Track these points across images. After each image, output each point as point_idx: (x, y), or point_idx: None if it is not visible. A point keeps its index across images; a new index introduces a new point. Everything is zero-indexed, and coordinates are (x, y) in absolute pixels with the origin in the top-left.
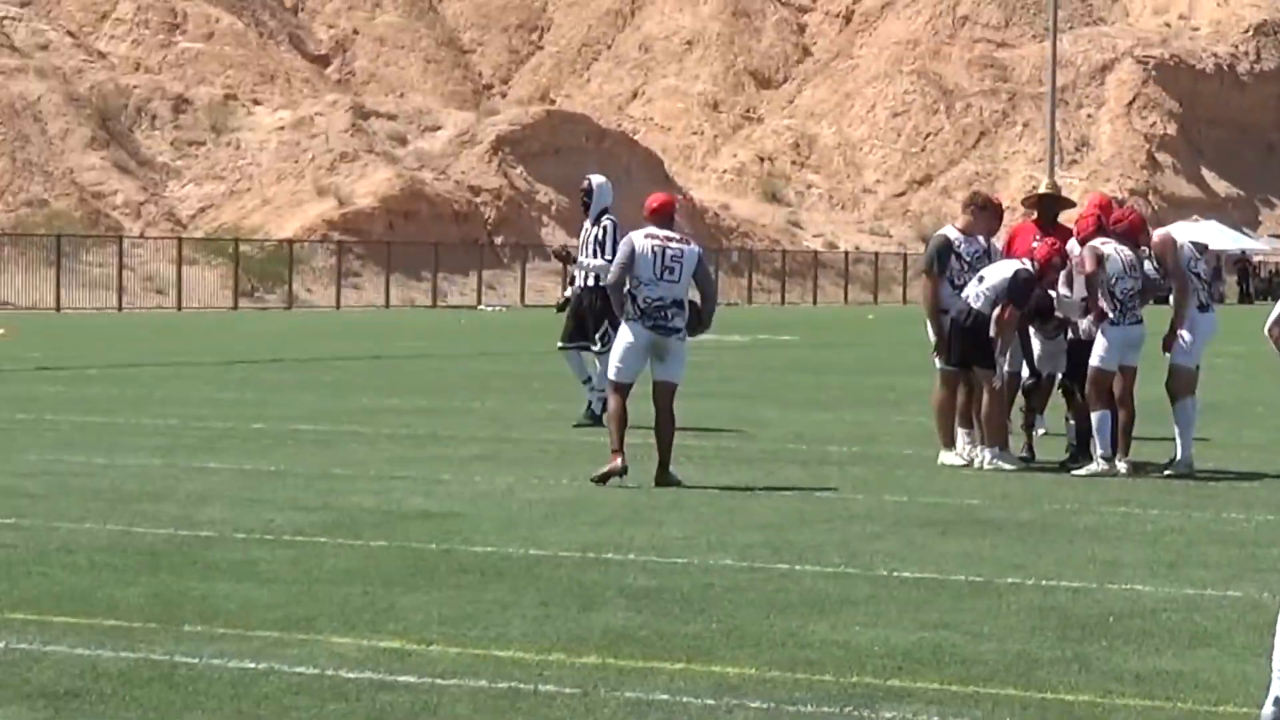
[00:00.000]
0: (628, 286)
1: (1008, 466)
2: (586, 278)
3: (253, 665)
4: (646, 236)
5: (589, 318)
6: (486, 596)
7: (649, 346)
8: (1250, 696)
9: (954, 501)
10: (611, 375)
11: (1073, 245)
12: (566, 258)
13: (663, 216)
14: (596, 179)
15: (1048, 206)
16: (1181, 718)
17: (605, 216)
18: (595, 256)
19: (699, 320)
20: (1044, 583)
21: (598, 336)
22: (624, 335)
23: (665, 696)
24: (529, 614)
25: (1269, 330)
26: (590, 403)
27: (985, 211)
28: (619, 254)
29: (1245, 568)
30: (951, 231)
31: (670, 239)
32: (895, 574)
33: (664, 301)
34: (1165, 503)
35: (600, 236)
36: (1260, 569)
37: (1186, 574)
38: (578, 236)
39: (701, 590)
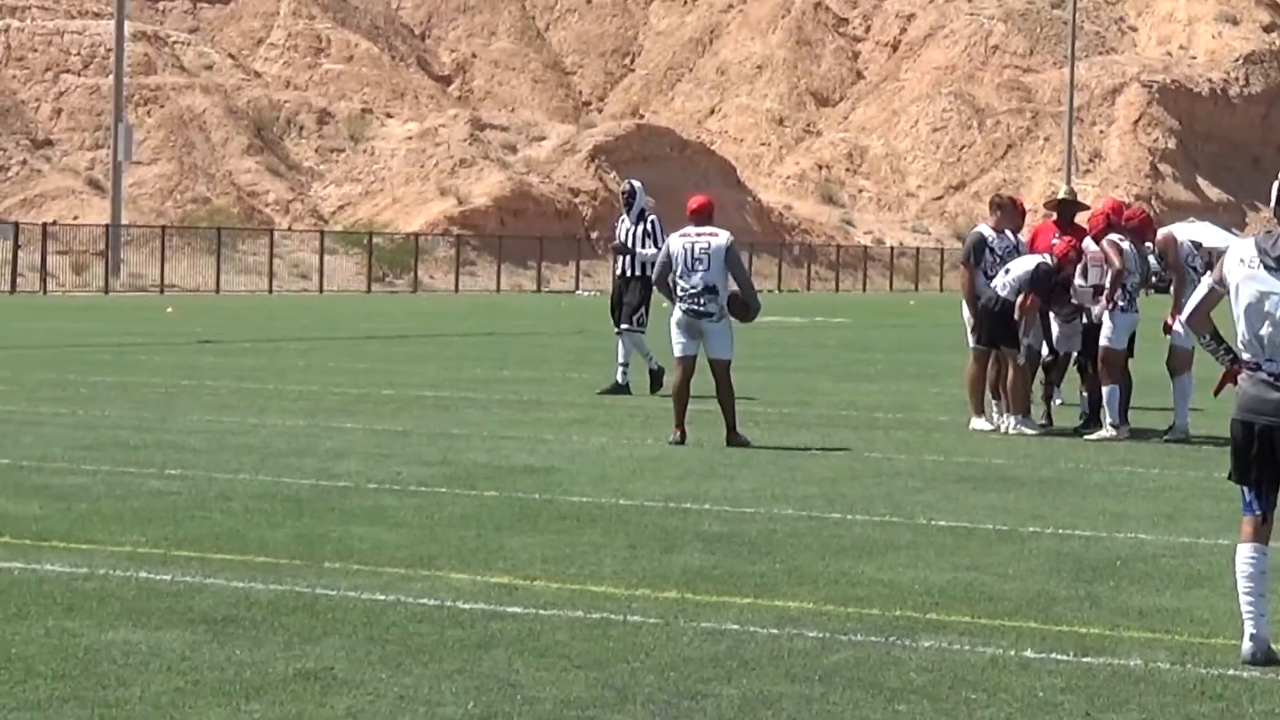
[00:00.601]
0: (671, 277)
1: (1029, 431)
2: (629, 267)
3: (382, 597)
4: (681, 236)
5: (624, 303)
6: (582, 539)
7: (690, 328)
8: (1237, 630)
9: (983, 461)
10: (675, 352)
11: (1088, 243)
12: (623, 250)
13: (701, 215)
14: (636, 183)
15: (1066, 209)
16: (1179, 648)
17: (647, 215)
18: (644, 249)
19: (745, 305)
20: (1060, 531)
21: (635, 319)
22: (675, 319)
23: (735, 627)
24: (618, 555)
25: (1187, 321)
26: (650, 368)
27: (1002, 210)
28: (660, 254)
29: (1233, 520)
30: (985, 229)
31: (701, 234)
32: (933, 522)
33: (697, 289)
34: (1165, 463)
35: (650, 230)
36: None
37: (1183, 525)
38: (664, 233)
39: (767, 536)
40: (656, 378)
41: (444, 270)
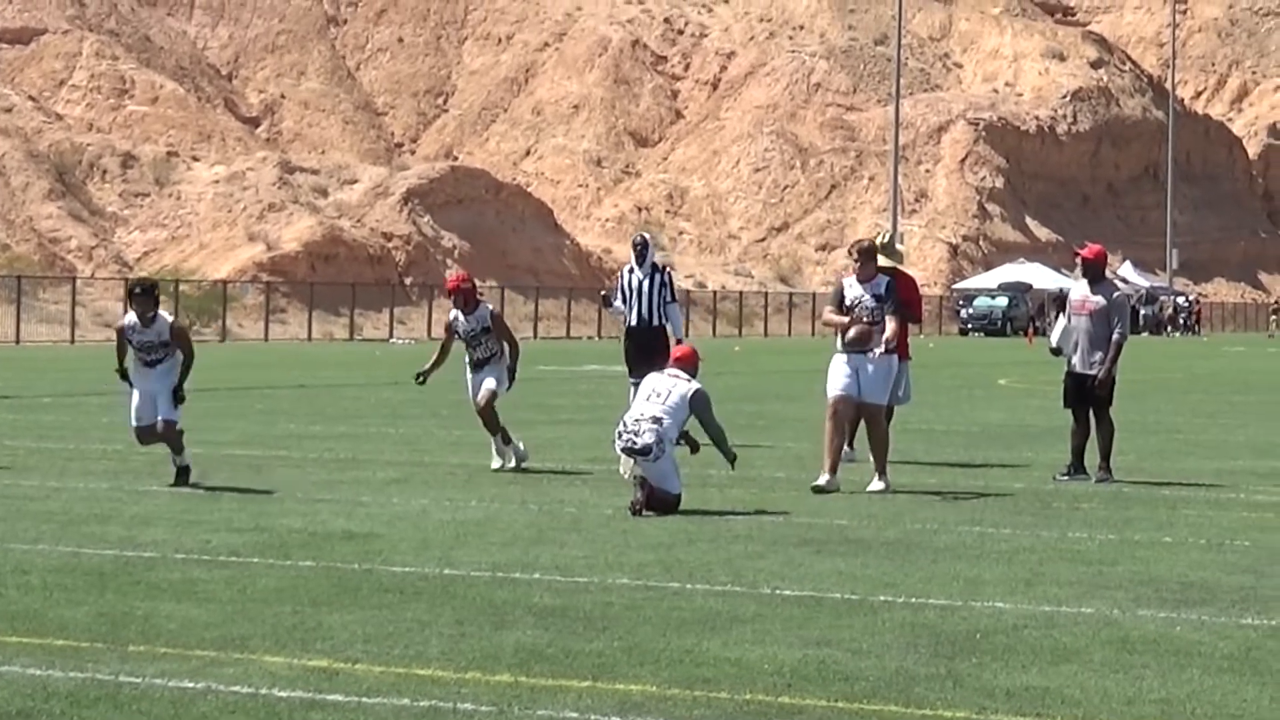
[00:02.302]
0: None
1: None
2: (639, 318)
3: (191, 685)
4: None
5: (640, 354)
6: (406, 615)
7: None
8: (1113, 711)
9: (825, 522)
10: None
11: (1077, 288)
12: (607, 302)
13: (684, 364)
14: (648, 235)
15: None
16: None
17: (661, 268)
18: (660, 302)
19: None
20: (913, 600)
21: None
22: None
23: (574, 714)
24: (445, 632)
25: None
26: None
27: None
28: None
29: (1094, 585)
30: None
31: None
32: (778, 592)
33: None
34: (1015, 523)
35: (665, 281)
36: (1107, 586)
37: (1042, 591)
38: (480, 278)
39: (602, 609)
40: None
41: (253, 318)
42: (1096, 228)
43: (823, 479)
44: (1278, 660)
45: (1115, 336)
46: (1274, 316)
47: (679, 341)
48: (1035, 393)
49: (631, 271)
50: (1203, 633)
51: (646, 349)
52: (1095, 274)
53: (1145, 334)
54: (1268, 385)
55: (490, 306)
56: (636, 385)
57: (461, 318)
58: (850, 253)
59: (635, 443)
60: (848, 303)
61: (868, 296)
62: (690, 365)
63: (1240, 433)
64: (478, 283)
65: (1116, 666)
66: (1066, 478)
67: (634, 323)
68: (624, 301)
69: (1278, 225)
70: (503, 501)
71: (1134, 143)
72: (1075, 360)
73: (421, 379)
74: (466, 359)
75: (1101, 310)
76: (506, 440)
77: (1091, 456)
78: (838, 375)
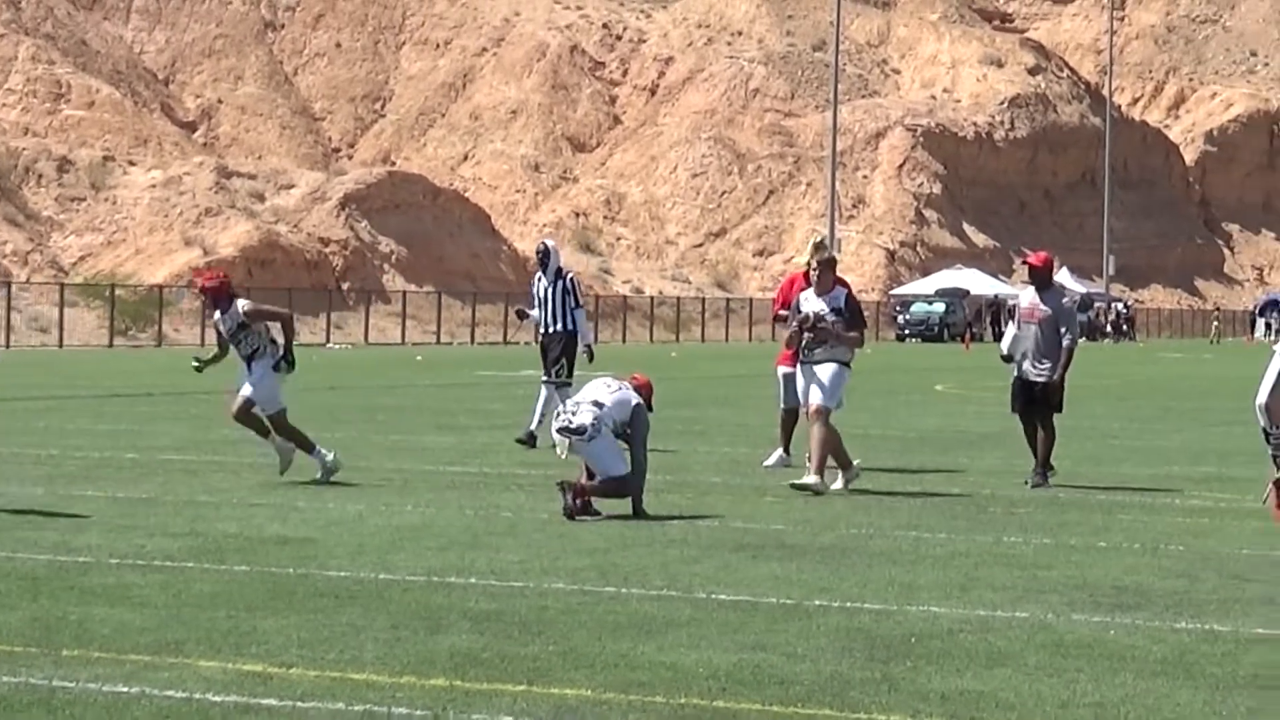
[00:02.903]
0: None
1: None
2: (549, 323)
3: (126, 689)
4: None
5: (548, 355)
6: (341, 620)
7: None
8: (1047, 715)
9: (760, 526)
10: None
11: (1025, 295)
12: (521, 315)
13: (639, 387)
14: (551, 243)
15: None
16: None
17: (565, 273)
18: (565, 308)
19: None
20: (848, 605)
21: (554, 371)
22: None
23: (509, 718)
24: (381, 637)
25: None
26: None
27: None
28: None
29: (1029, 589)
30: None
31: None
32: (713, 596)
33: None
34: (950, 527)
35: (569, 288)
36: (1042, 590)
37: (977, 595)
38: (417, 284)
39: (538, 613)
40: (531, 440)
41: (189, 323)
42: (1034, 234)
43: (813, 479)
44: (1211, 664)
45: (1066, 343)
46: (1215, 324)
47: (586, 348)
48: (972, 399)
49: (540, 279)
50: (1137, 637)
51: (549, 352)
52: (1043, 281)
53: (1083, 339)
54: (1202, 391)
55: (244, 302)
56: (546, 385)
57: (219, 316)
58: (810, 264)
59: (571, 422)
60: (802, 315)
61: (828, 311)
62: (644, 391)
63: (1175, 438)
64: (414, 288)
65: (1051, 670)
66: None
67: (543, 329)
68: (538, 308)
69: (1214, 232)
70: (438, 506)
71: (1071, 149)
72: (1025, 367)
73: (199, 367)
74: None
75: (1050, 317)
76: (306, 448)
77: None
78: (805, 384)
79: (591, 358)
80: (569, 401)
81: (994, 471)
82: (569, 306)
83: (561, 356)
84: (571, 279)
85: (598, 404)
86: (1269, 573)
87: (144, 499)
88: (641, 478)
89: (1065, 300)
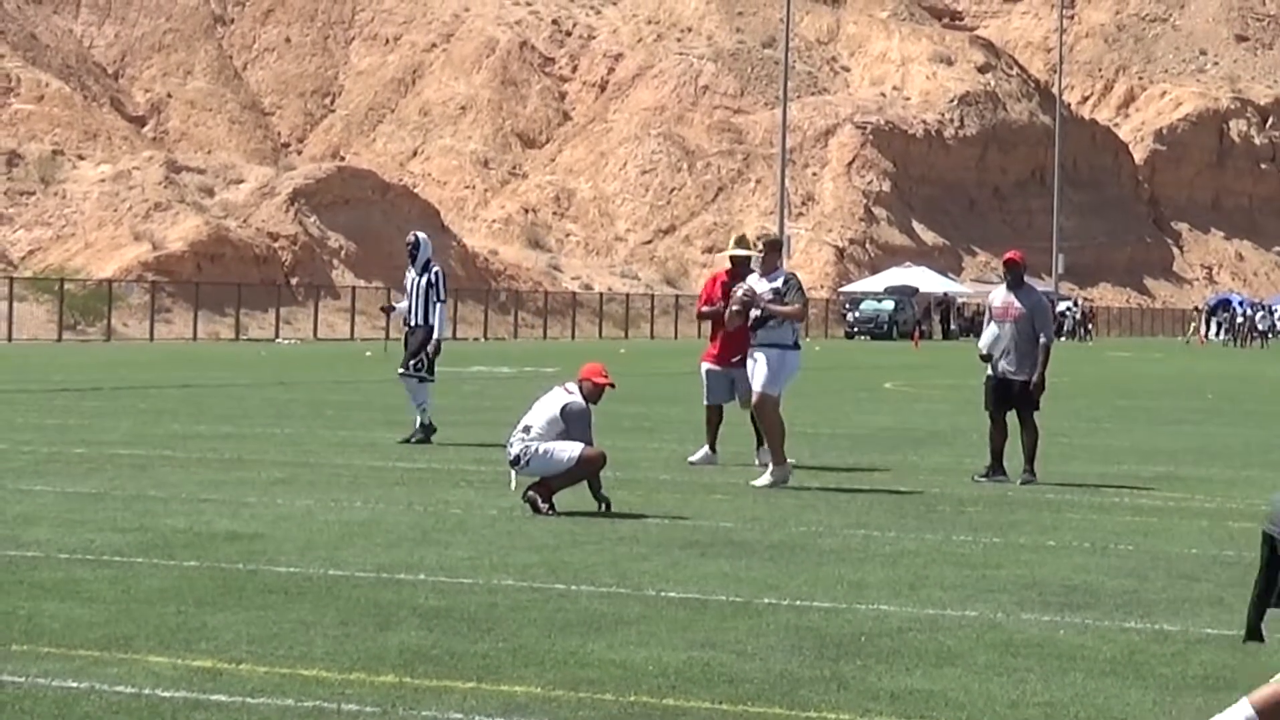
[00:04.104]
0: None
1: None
2: (412, 316)
3: (75, 685)
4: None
5: (409, 348)
6: (290, 616)
7: None
8: (996, 714)
9: (710, 524)
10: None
11: (997, 294)
12: (387, 311)
13: (586, 378)
14: (421, 235)
15: (738, 260)
16: None
17: (431, 266)
18: (427, 302)
19: None
20: (798, 603)
21: (412, 364)
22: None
23: (459, 715)
24: (330, 633)
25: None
26: (419, 422)
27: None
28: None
29: (978, 588)
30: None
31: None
32: (663, 594)
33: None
34: (900, 526)
35: (433, 281)
36: (991, 589)
37: (926, 594)
38: (366, 279)
39: (487, 610)
40: (428, 431)
41: (138, 318)
42: (983, 232)
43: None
44: (1160, 664)
45: (1043, 340)
46: (1194, 324)
47: (435, 341)
48: (921, 397)
49: (409, 271)
50: (1086, 636)
51: (409, 345)
52: (1017, 278)
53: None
54: (1151, 390)
55: None
56: (402, 378)
57: None
58: (756, 244)
59: (509, 454)
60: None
61: (768, 290)
62: (586, 382)
63: (1125, 437)
64: (363, 283)
65: (1000, 669)
66: (985, 479)
67: (408, 321)
68: (406, 299)
69: (1163, 230)
70: (388, 502)
71: (1020, 147)
72: (1001, 365)
73: None
74: None
75: (1025, 315)
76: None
77: (1013, 460)
78: (750, 373)
79: (438, 352)
80: (517, 427)
81: (943, 470)
82: (431, 300)
83: (420, 351)
84: (437, 273)
85: (526, 429)
86: (1218, 573)
87: (93, 494)
88: (591, 466)
89: (1039, 298)
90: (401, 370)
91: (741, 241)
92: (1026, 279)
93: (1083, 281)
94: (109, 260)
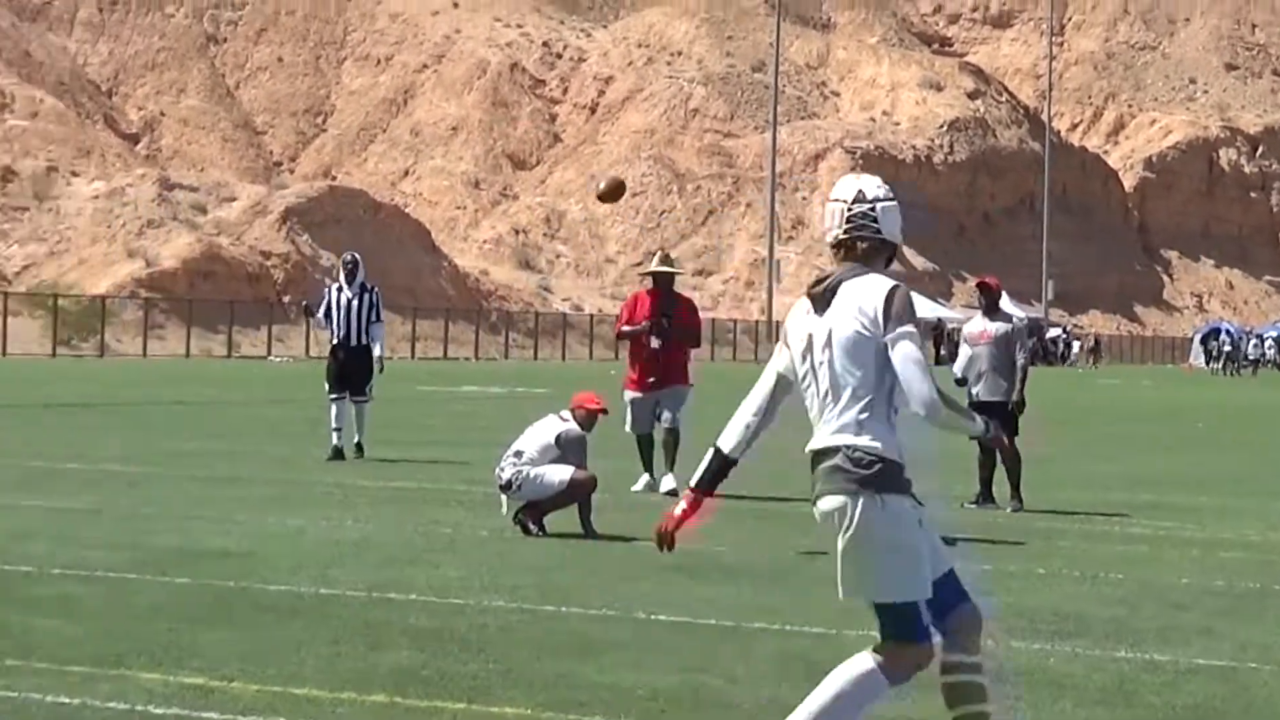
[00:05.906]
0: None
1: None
2: (337, 336)
3: (68, 700)
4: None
5: (345, 371)
6: (282, 635)
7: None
8: None
9: (700, 547)
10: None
11: (973, 322)
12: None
13: (580, 405)
14: (358, 255)
15: (661, 278)
16: None
17: (370, 287)
18: (368, 322)
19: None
20: (788, 627)
21: (369, 389)
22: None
23: None
24: (321, 652)
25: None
26: (336, 444)
27: None
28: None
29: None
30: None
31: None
32: (653, 617)
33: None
34: None
35: (374, 302)
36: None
37: None
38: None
39: (478, 631)
40: (359, 451)
41: (132, 334)
42: (972, 258)
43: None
44: (1150, 693)
45: (1020, 362)
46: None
47: (378, 360)
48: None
49: (341, 290)
50: (1076, 665)
51: (349, 367)
52: (992, 303)
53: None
54: (1143, 417)
55: None
56: (335, 402)
57: None
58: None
59: (500, 478)
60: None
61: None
62: (580, 410)
63: (1115, 464)
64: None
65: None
66: (975, 506)
67: (339, 340)
68: (329, 318)
69: (1153, 258)
70: (379, 522)
71: (1010, 173)
72: (979, 389)
73: None
74: None
75: (1002, 336)
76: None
77: (1002, 485)
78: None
79: (381, 369)
80: (508, 452)
81: (933, 495)
82: (370, 320)
83: (371, 376)
84: (377, 293)
85: (518, 454)
86: (1208, 602)
87: (86, 510)
88: (582, 490)
89: (1015, 321)
90: (362, 397)
91: (666, 259)
92: (1003, 305)
93: (1072, 308)
94: (103, 277)
